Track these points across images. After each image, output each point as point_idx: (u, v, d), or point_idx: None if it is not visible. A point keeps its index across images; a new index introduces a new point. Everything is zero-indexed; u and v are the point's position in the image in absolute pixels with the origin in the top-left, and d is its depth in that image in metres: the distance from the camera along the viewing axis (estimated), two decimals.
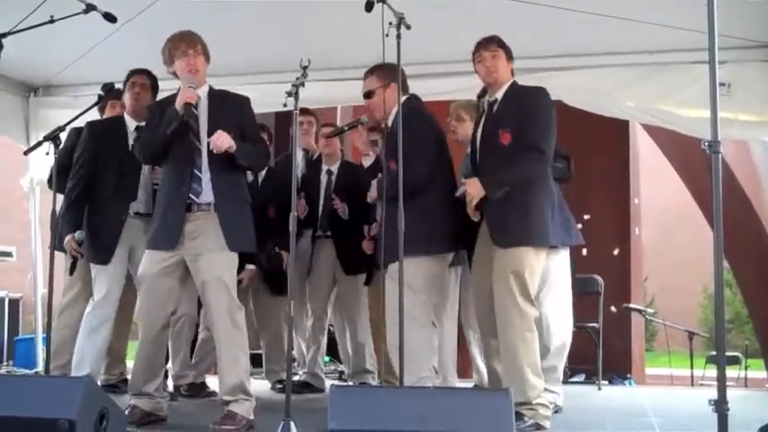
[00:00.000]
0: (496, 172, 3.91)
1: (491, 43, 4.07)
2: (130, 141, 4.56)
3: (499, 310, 3.87)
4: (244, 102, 4.17)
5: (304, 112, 5.68)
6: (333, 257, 5.44)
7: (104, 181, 4.52)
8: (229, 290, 3.95)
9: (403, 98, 4.12)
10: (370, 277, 5.08)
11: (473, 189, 3.91)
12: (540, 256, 3.91)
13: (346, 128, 4.45)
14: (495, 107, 4.04)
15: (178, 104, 3.93)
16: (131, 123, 4.62)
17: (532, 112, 3.94)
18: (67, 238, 4.50)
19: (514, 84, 4.09)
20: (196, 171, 3.95)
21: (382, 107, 4.21)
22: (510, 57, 4.09)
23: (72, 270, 4.66)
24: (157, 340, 4.08)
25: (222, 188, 3.97)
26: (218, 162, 3.95)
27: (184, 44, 4.02)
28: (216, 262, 3.93)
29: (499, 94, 4.05)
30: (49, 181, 5.06)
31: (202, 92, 4.06)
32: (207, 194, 3.96)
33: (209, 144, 3.93)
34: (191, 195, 3.94)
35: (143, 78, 4.69)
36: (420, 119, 4.16)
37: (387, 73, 4.17)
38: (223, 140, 3.89)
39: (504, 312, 3.85)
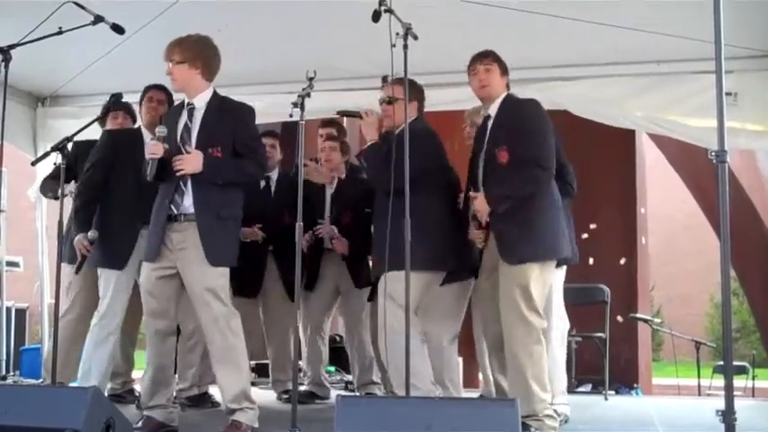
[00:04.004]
0: (500, 186, 3.90)
1: (486, 57, 4.07)
2: None
3: (505, 325, 3.86)
4: (243, 111, 4.01)
5: (328, 124, 5.70)
6: (339, 271, 5.38)
7: (123, 188, 4.53)
8: (219, 297, 3.86)
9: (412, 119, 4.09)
10: (373, 292, 5.06)
11: (480, 205, 3.90)
12: (548, 269, 3.90)
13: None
14: (491, 124, 4.05)
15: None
16: (147, 136, 4.63)
17: (527, 126, 3.93)
18: (79, 236, 4.50)
19: (507, 97, 4.07)
20: (181, 185, 3.90)
21: (393, 119, 4.20)
22: (505, 71, 4.08)
23: (78, 269, 4.61)
24: (162, 350, 4.02)
25: (203, 202, 3.88)
26: (201, 176, 3.89)
27: (164, 56, 3.96)
28: (202, 272, 3.85)
29: (493, 110, 4.06)
30: (43, 186, 5.11)
31: (201, 100, 3.97)
32: (190, 206, 3.90)
33: None
34: (171, 206, 3.89)
35: (161, 94, 4.75)
36: (429, 139, 4.21)
37: (413, 90, 4.16)
38: (186, 165, 3.83)
39: (510, 326, 3.84)
